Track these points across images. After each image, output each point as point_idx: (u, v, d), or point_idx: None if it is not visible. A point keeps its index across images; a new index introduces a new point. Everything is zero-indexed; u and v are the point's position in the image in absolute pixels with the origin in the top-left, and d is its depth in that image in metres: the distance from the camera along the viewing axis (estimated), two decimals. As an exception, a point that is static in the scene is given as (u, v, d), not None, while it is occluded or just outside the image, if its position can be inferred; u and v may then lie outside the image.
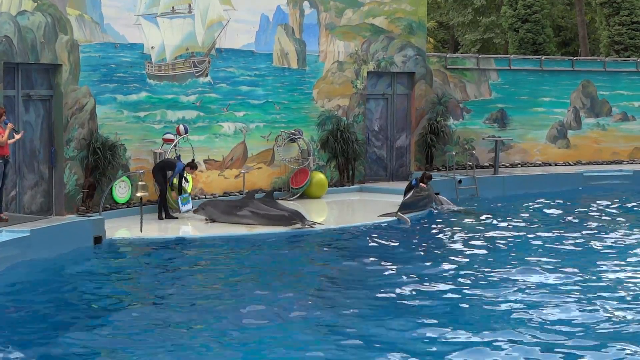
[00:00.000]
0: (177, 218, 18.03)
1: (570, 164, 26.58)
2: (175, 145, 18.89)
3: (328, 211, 20.25)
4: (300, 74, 21.79)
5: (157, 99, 19.22)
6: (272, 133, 21.18)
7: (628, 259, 14.97)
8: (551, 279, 13.39)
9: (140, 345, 10.05)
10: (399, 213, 18.63)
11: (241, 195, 19.58)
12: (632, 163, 27.28)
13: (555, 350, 9.88)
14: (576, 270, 13.98)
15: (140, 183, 16.74)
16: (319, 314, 11.39)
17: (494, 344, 10.08)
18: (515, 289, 12.75)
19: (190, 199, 18.47)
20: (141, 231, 16.29)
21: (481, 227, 18.16)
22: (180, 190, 18.24)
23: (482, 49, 42.56)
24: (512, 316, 11.28)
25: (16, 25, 16.37)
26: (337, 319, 11.14)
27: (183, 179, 18.37)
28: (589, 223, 18.81)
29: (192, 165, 18.33)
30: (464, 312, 11.53)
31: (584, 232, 17.57)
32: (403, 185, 20.50)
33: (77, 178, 17.59)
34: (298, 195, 21.04)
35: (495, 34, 42.78)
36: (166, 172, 17.97)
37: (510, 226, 18.30)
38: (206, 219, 17.69)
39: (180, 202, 18.21)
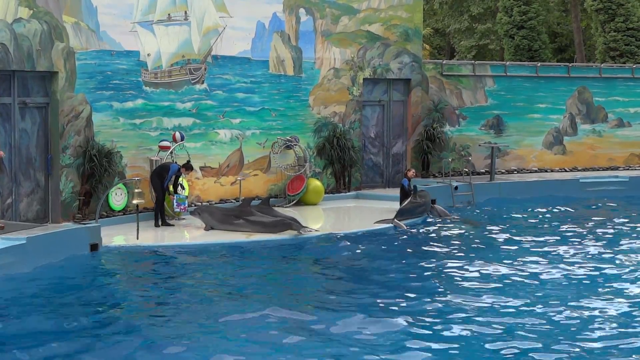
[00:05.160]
0: (173, 225, 18.02)
1: (566, 170, 26.61)
2: (171, 153, 18.89)
3: (324, 218, 20.25)
4: (297, 81, 21.81)
5: (153, 106, 19.23)
6: (268, 140, 21.18)
7: (625, 264, 15.00)
8: (547, 283, 13.41)
9: (138, 355, 10.03)
10: (395, 220, 18.64)
11: (237, 202, 19.60)
12: (628, 169, 27.33)
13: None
14: (572, 274, 14.01)
15: (136, 190, 16.74)
16: (317, 319, 11.40)
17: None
18: (513, 293, 12.76)
19: (186, 201, 18.42)
20: (137, 238, 16.29)
21: (477, 234, 18.16)
22: (176, 190, 18.16)
23: (478, 56, 42.61)
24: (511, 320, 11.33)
25: (12, 32, 16.37)
26: (336, 325, 11.15)
27: (180, 186, 18.36)
28: (584, 229, 18.81)
29: (188, 167, 18.31)
30: (458, 319, 11.56)
31: (579, 238, 17.58)
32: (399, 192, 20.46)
33: (73, 185, 17.58)
34: (294, 202, 21.03)
35: (491, 41, 42.85)
36: (164, 176, 17.93)
37: (506, 233, 18.30)
38: (204, 227, 17.68)
39: (175, 202, 18.14)
